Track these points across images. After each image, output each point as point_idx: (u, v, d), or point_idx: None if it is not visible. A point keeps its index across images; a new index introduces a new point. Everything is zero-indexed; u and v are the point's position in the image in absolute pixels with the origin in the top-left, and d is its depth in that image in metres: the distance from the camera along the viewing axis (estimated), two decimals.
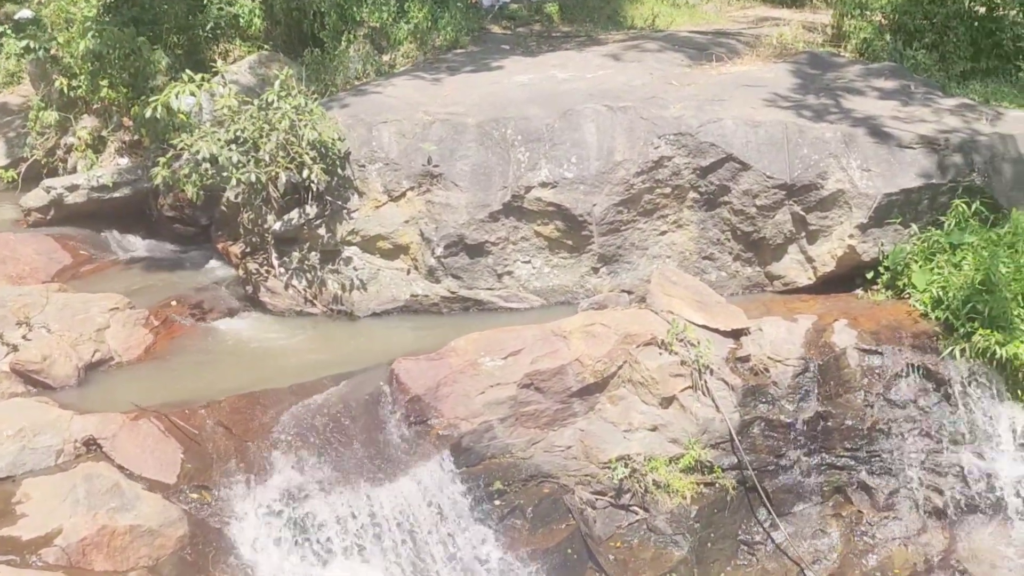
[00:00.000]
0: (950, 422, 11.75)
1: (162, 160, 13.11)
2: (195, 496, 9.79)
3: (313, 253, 13.09)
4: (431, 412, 10.87)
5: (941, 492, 11.81)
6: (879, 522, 11.90)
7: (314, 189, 12.78)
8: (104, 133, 15.90)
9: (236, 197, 13.17)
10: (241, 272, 13.31)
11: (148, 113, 13.07)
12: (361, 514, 10.10)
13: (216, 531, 9.64)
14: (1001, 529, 11.69)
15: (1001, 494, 11.58)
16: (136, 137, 15.51)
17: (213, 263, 14.32)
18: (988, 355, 11.55)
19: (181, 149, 12.82)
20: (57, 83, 15.99)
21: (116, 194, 15.01)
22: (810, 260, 13.05)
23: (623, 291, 12.89)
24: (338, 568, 9.93)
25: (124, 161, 15.45)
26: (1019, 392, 11.53)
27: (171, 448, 10.00)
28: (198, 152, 12.46)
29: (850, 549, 11.82)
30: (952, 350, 11.69)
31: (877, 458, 11.89)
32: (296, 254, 13.11)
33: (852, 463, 11.93)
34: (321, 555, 9.91)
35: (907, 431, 11.80)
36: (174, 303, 12.90)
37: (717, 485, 11.64)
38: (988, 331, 11.54)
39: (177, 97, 12.82)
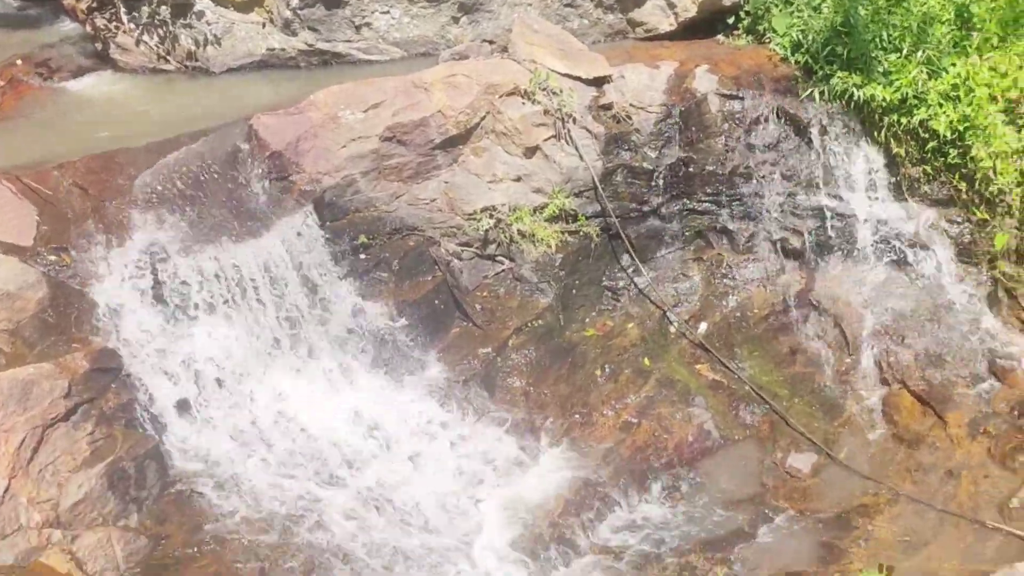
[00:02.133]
0: (808, 165, 11.93)
1: None
2: (53, 258, 9.61)
3: (164, 7, 12.64)
4: (292, 168, 10.74)
5: (799, 234, 12.07)
6: (739, 264, 12.20)
7: None
8: None
9: None
10: (89, 28, 12.82)
11: None
12: (225, 272, 10.04)
13: (77, 293, 9.52)
14: (855, 267, 12.03)
15: (855, 234, 11.87)
16: None
17: (62, 19, 13.75)
18: (846, 97, 11.67)
19: None
20: None
21: None
22: (672, 6, 12.93)
23: (484, 41, 12.70)
24: (202, 326, 9.93)
25: None
26: (875, 134, 11.70)
27: (26, 210, 9.75)
28: None
29: (711, 291, 12.14)
30: (811, 92, 11.79)
31: (738, 202, 12.09)
32: (146, 8, 12.63)
33: (713, 208, 12.13)
34: (185, 314, 9.87)
35: (767, 175, 11.97)
36: (19, 62, 12.42)
37: (581, 233, 11.78)
38: (846, 73, 11.63)
39: None
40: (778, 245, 12.14)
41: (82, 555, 8.49)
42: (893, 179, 11.80)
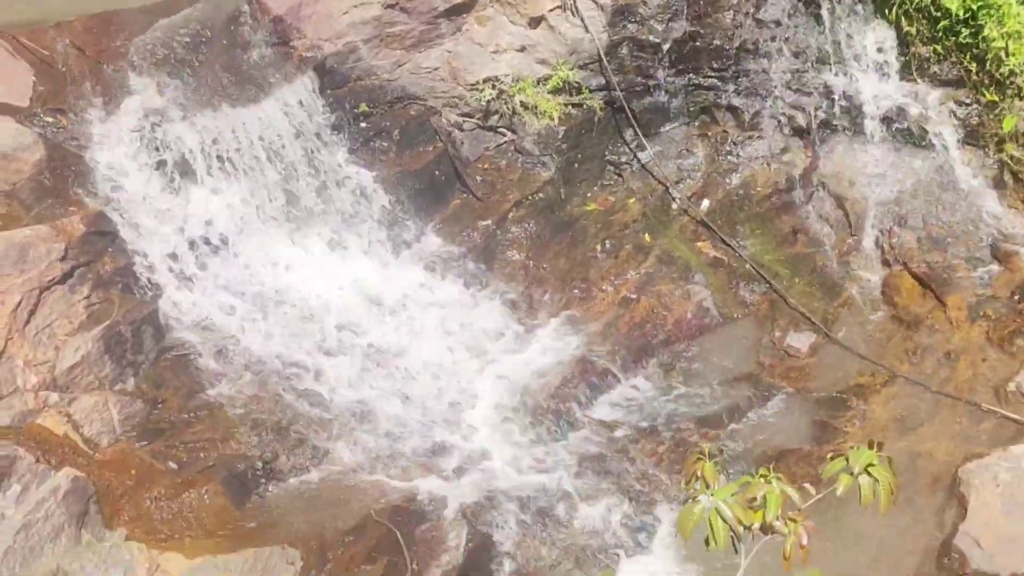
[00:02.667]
0: (817, 41, 11.72)
1: None
2: (50, 120, 9.51)
3: None
4: (293, 33, 10.57)
5: (805, 111, 11.91)
6: (743, 142, 12.06)
7: None
8: None
9: None
10: None
11: None
12: (224, 137, 9.95)
13: (74, 155, 9.44)
14: (860, 147, 11.89)
15: (862, 113, 11.71)
16: None
17: None
18: None
19: None
20: None
21: None
22: None
23: None
24: (200, 192, 9.87)
25: None
26: (886, 11, 11.47)
27: (22, 70, 9.63)
28: None
29: (714, 168, 12.01)
30: None
31: (744, 78, 11.91)
32: None
33: (719, 83, 11.95)
34: (182, 179, 9.80)
35: (774, 51, 11.77)
36: None
37: (585, 106, 11.64)
38: None
39: None
40: (784, 123, 11.99)
41: (79, 418, 8.53)
42: (903, 58, 11.59)
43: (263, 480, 8.85)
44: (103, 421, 8.64)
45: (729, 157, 12.07)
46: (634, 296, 11.10)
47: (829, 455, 7.96)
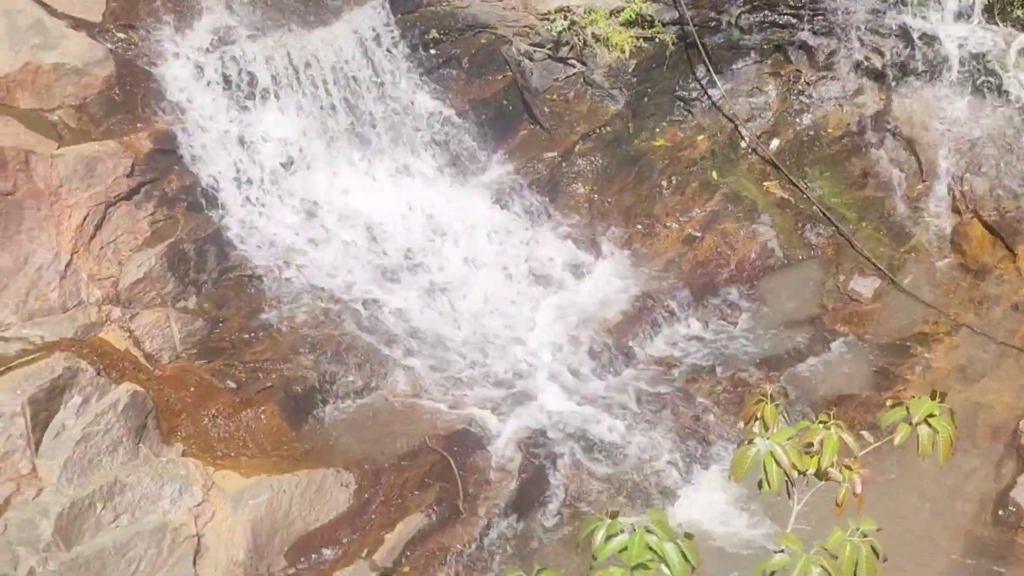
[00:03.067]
0: None
1: None
2: (122, 36, 9.54)
3: None
4: None
5: (881, 53, 11.69)
6: (817, 82, 11.86)
7: None
8: None
9: None
10: None
11: None
12: (293, 58, 9.92)
13: (144, 72, 9.47)
14: (936, 92, 11.67)
15: (939, 57, 11.48)
16: None
17: None
18: None
19: None
20: None
21: None
22: None
23: None
24: (268, 112, 9.86)
25: None
26: None
27: None
28: None
29: (785, 108, 11.84)
30: None
31: (820, 17, 11.71)
32: None
33: (794, 21, 11.76)
34: (251, 99, 9.80)
35: None
36: None
37: (657, 40, 11.51)
38: None
39: None
40: (859, 64, 11.76)
41: (140, 333, 8.62)
42: (984, 1, 11.32)
43: (320, 402, 8.91)
44: (164, 337, 8.72)
45: (801, 97, 11.88)
46: (698, 234, 11.01)
47: (888, 402, 7.84)
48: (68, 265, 8.54)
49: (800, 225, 11.30)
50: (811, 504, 4.65)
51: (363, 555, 8.04)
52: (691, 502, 8.85)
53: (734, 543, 8.39)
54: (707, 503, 8.83)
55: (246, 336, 9.08)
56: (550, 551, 8.40)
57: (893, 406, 4.64)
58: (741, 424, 9.19)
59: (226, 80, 9.70)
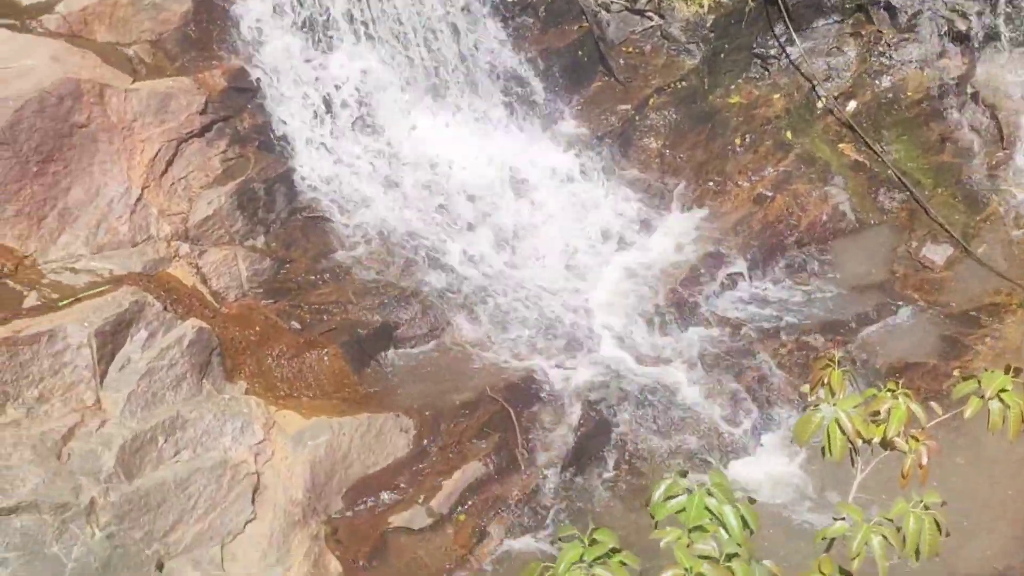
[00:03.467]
0: None
1: None
2: None
3: None
4: None
5: (966, 16, 11.47)
6: (898, 43, 11.65)
7: None
8: None
9: None
10: None
11: None
12: (372, 3, 9.87)
13: (220, 9, 9.45)
14: (1020, 57, 11.45)
15: None
16: None
17: None
18: None
19: None
20: None
21: None
22: None
23: None
24: (344, 55, 9.83)
25: None
26: None
27: None
28: None
29: (864, 69, 11.64)
30: None
31: None
32: None
33: None
34: (327, 41, 9.77)
35: None
36: None
37: None
38: None
39: None
40: (942, 26, 11.53)
41: (207, 270, 8.66)
42: None
43: (383, 346, 8.92)
44: (231, 276, 8.75)
45: (881, 58, 11.67)
46: (770, 194, 10.88)
47: (956, 372, 7.73)
48: (139, 200, 8.59)
49: (873, 189, 11.13)
50: (875, 474, 4.59)
51: (420, 500, 8.07)
52: (750, 464, 8.80)
53: (792, 509, 8.34)
54: (766, 467, 8.78)
55: (312, 278, 9.09)
56: (606, 506, 8.39)
57: (965, 378, 4.57)
58: (804, 388, 9.15)
59: (304, 20, 9.67)
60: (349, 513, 7.95)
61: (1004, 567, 7.92)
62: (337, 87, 9.80)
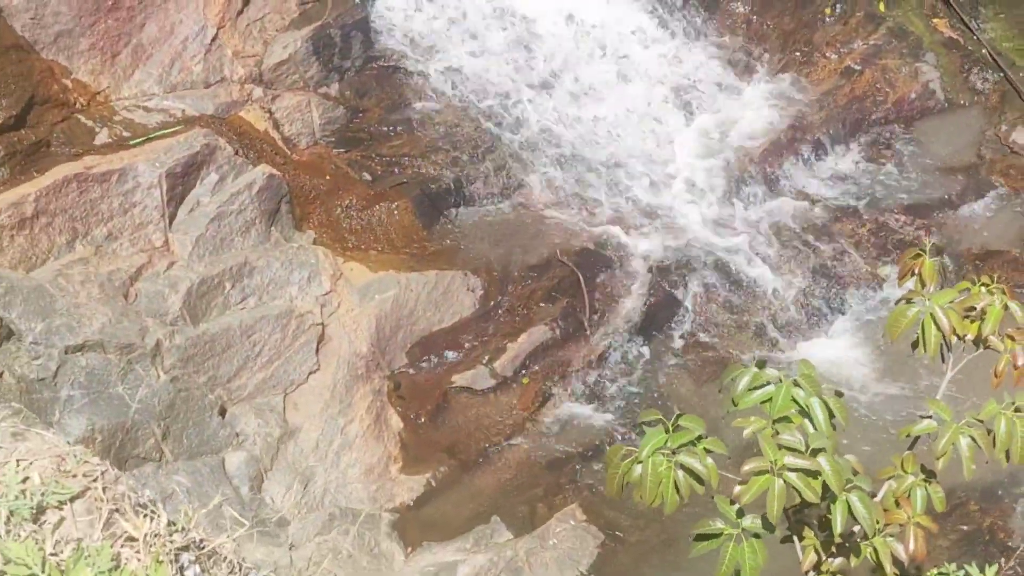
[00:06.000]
0: None
1: None
2: None
3: None
4: None
5: None
6: None
7: None
8: None
9: None
10: None
11: None
12: None
13: None
14: None
15: None
16: None
17: None
18: None
19: None
20: None
21: None
22: None
23: None
24: None
25: None
26: None
27: None
28: None
29: None
30: None
31: None
32: None
33: None
34: None
35: None
36: None
37: None
38: None
39: None
40: None
41: (280, 116, 8.52)
42: None
43: (454, 203, 8.78)
44: (304, 122, 8.61)
45: None
46: (858, 67, 10.52)
47: None
48: (214, 39, 8.42)
49: (966, 68, 10.74)
50: (965, 370, 4.43)
51: (484, 361, 8.01)
52: (821, 347, 8.62)
53: (865, 400, 8.16)
54: (838, 351, 8.61)
55: (385, 129, 8.92)
56: (673, 379, 8.29)
57: None
58: (882, 270, 8.95)
59: None
60: (412, 370, 7.91)
61: None
62: None
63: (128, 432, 6.66)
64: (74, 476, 3.46)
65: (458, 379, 7.92)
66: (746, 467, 3.65)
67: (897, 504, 4.03)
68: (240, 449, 7.12)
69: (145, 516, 3.45)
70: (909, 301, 4.27)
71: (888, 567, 3.93)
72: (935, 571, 4.36)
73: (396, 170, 8.74)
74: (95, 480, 3.43)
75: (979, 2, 11.04)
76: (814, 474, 3.63)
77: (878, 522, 3.88)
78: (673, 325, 8.56)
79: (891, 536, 3.96)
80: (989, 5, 11.03)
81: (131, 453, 6.67)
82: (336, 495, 7.26)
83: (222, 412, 7.19)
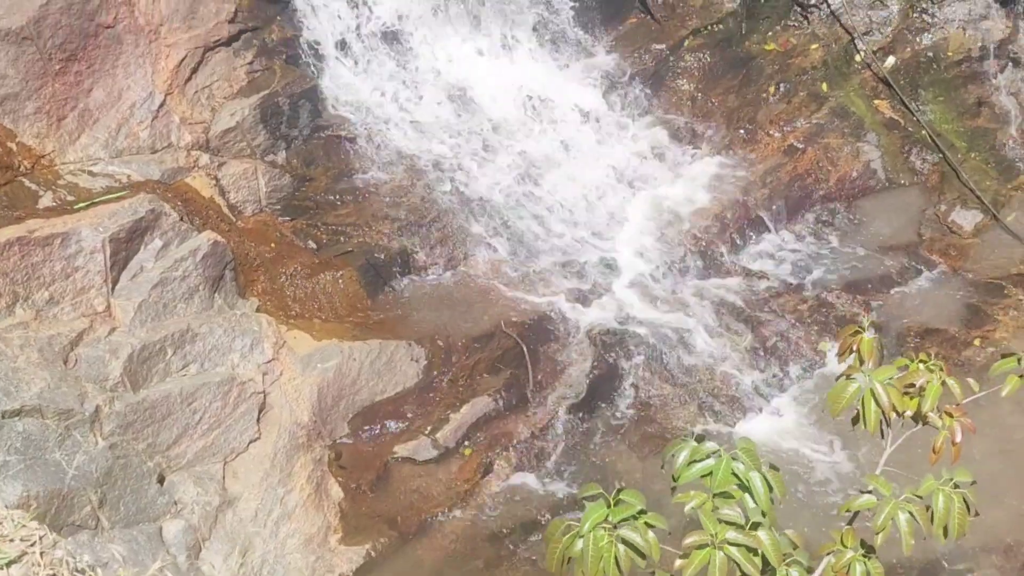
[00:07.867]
0: None
1: None
2: None
3: None
4: None
5: None
6: (943, 1, 11.39)
7: None
8: None
9: None
10: None
11: None
12: None
13: None
14: None
15: None
16: None
17: None
18: None
19: None
20: None
21: None
22: None
23: None
24: None
25: None
26: None
27: None
28: None
29: (906, 25, 11.39)
30: None
31: None
32: None
33: None
34: None
35: None
36: None
37: None
38: None
39: None
40: None
41: (226, 183, 8.51)
42: None
43: (399, 273, 8.80)
44: (250, 190, 8.62)
45: (924, 15, 11.41)
46: (801, 145, 10.68)
47: (977, 341, 7.61)
48: (161, 105, 8.43)
49: (906, 148, 10.94)
50: (904, 447, 4.48)
51: (426, 432, 7.98)
52: (763, 423, 8.66)
53: (806, 474, 8.20)
54: (780, 426, 8.65)
55: (331, 198, 8.95)
56: (614, 452, 8.29)
57: (1004, 356, 4.45)
58: (823, 346, 9.03)
59: None
60: (354, 440, 7.87)
61: (1014, 541, 7.81)
62: (370, 7, 9.60)
63: (64, 499, 6.56)
64: (11, 540, 3.41)
65: (400, 449, 7.88)
66: (687, 541, 3.66)
67: None
68: (178, 517, 7.03)
69: None
70: (849, 377, 4.31)
71: None
72: None
73: (342, 239, 8.75)
74: (32, 544, 3.38)
75: (919, 84, 11.25)
76: (754, 549, 3.64)
77: None
78: (616, 398, 8.57)
79: None
80: (929, 87, 11.25)
81: (67, 520, 6.56)
82: (275, 565, 7.18)
83: (161, 480, 7.10)
